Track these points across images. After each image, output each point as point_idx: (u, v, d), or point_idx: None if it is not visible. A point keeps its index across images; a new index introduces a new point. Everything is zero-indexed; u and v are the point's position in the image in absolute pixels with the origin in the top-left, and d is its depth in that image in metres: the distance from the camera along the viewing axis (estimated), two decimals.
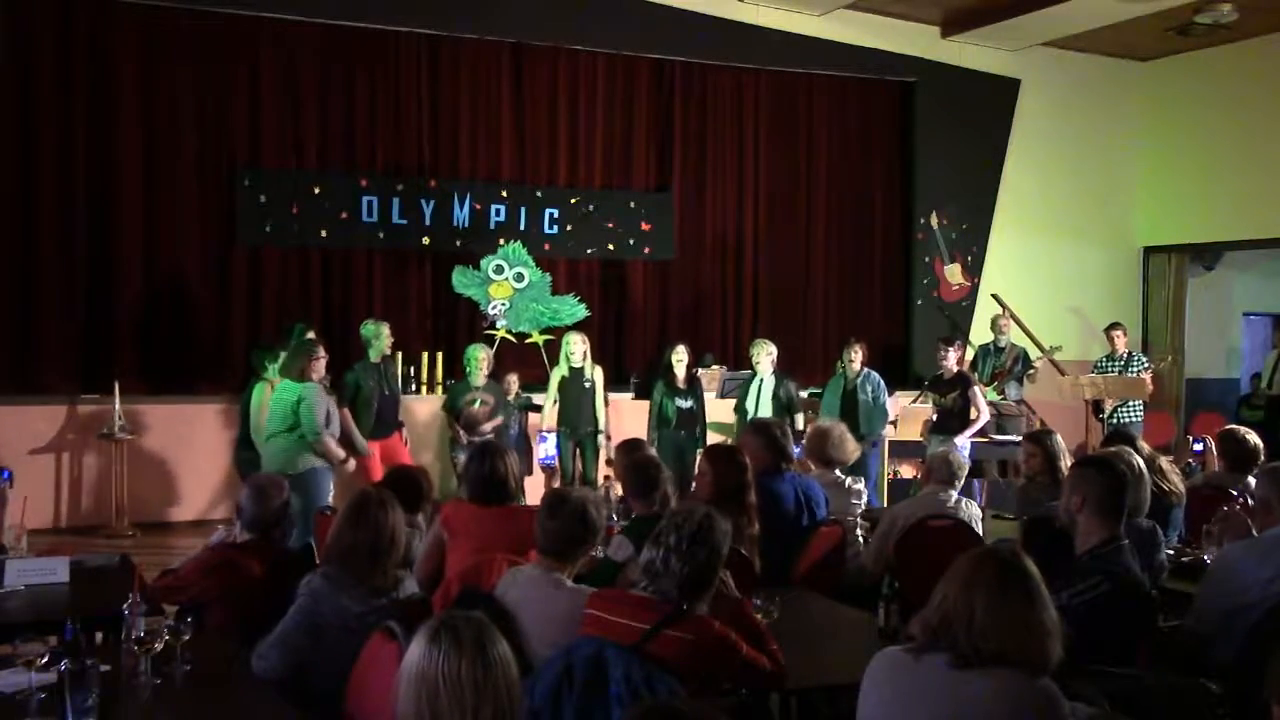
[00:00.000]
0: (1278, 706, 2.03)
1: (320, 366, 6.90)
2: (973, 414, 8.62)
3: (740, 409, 8.67)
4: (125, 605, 3.22)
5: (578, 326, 9.84)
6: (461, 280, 10.01)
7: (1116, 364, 10.26)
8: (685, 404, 8.58)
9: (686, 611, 3.06)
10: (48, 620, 3.52)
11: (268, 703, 3.15)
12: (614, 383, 10.07)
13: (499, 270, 10.06)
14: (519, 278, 10.10)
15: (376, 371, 8.13)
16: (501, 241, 10.58)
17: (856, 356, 8.63)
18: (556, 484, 5.37)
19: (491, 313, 9.99)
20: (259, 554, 4.10)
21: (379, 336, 8.19)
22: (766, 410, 8.46)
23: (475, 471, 4.53)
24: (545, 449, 6.55)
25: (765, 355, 8.64)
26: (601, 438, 8.57)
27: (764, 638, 3.26)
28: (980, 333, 12.19)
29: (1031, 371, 10.37)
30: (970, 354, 10.73)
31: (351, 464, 7.17)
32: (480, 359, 8.31)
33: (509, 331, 10.01)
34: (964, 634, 2.45)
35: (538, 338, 9.95)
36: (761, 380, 8.64)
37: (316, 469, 6.64)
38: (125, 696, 3.04)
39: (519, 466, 4.66)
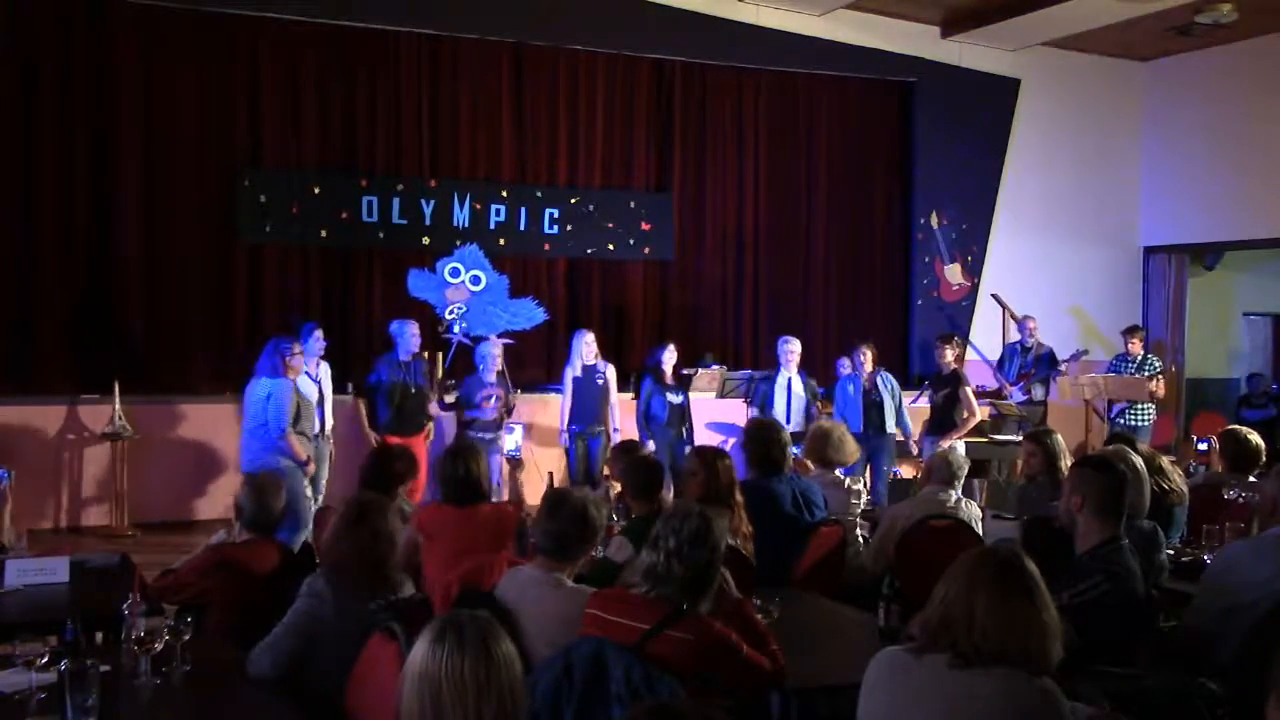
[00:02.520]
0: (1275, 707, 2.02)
1: (297, 364, 6.94)
2: (964, 414, 8.64)
3: (761, 406, 8.72)
4: (125, 605, 3.22)
5: (572, 324, 9.82)
6: (418, 284, 9.80)
7: (1129, 365, 10.27)
8: (676, 399, 8.63)
9: (687, 612, 3.06)
10: (48, 620, 3.51)
11: (268, 703, 3.14)
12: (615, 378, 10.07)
13: (455, 273, 9.88)
14: (476, 280, 9.93)
15: (403, 369, 8.14)
16: (501, 242, 10.60)
17: (867, 358, 8.64)
18: (521, 476, 5.41)
19: (448, 317, 9.80)
20: (259, 554, 4.10)
21: (403, 335, 8.21)
22: (799, 409, 8.56)
23: (449, 473, 4.59)
24: (513, 439, 6.55)
25: (793, 353, 8.79)
26: (616, 435, 8.60)
27: (764, 638, 3.26)
28: (981, 333, 12.22)
29: (1056, 372, 10.35)
30: (998, 354, 10.75)
31: (311, 467, 7.10)
32: (494, 355, 8.33)
33: (466, 335, 9.76)
34: (964, 634, 2.45)
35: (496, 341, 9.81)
36: (790, 378, 8.70)
37: (286, 467, 6.64)
38: (125, 696, 3.04)
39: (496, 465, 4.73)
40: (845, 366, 9.39)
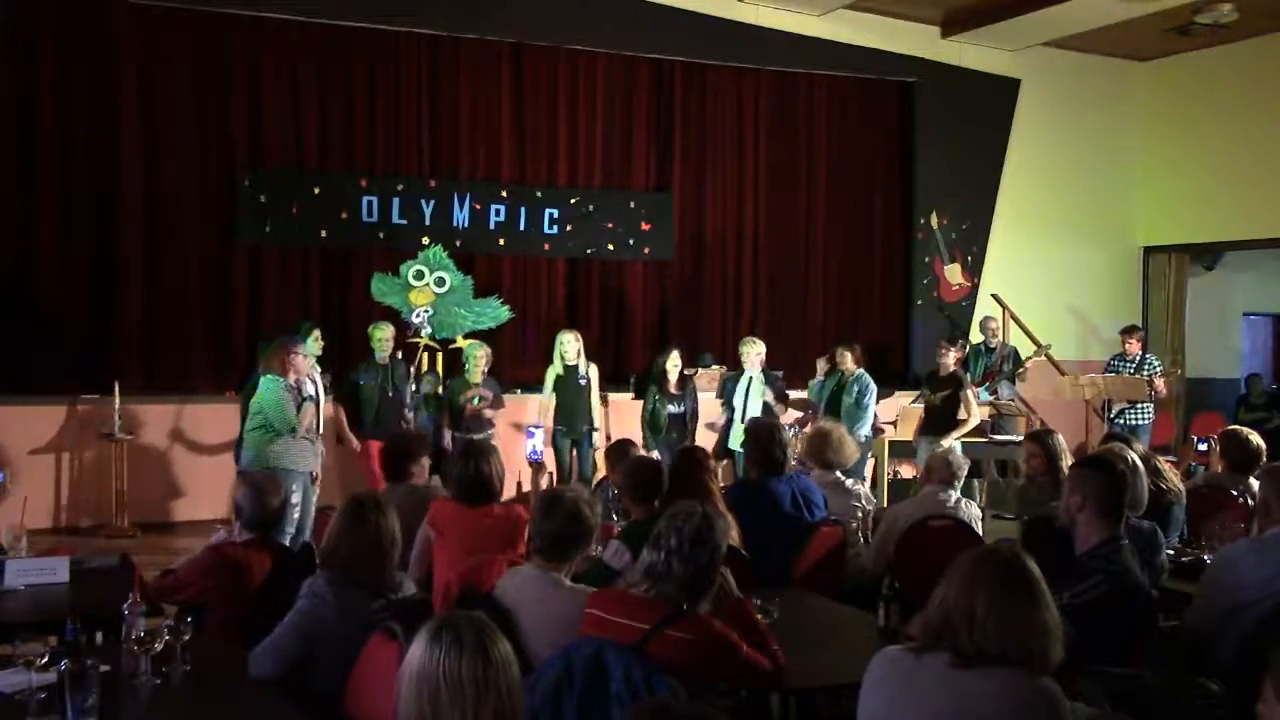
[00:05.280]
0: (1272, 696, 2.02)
1: (298, 362, 6.89)
2: (962, 414, 8.63)
3: (728, 405, 8.70)
4: (125, 605, 3.22)
5: (572, 324, 9.78)
6: (380, 288, 9.66)
7: (1127, 365, 10.26)
8: (677, 409, 8.59)
9: (687, 612, 3.06)
10: (48, 620, 3.52)
11: (268, 703, 3.15)
12: (613, 382, 10.06)
13: (419, 276, 9.74)
14: (440, 282, 9.80)
15: (380, 372, 8.13)
16: (501, 242, 10.60)
17: (845, 359, 8.63)
18: (543, 480, 5.41)
19: (415, 320, 9.63)
20: (259, 553, 4.10)
21: (377, 339, 8.20)
22: (755, 407, 8.48)
23: (460, 471, 4.59)
24: (532, 444, 6.54)
25: (754, 354, 8.66)
26: (598, 436, 8.60)
27: (764, 637, 3.26)
28: (978, 333, 12.21)
29: (1022, 370, 10.38)
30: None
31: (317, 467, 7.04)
32: (479, 356, 8.31)
33: (433, 338, 9.68)
34: (965, 633, 2.45)
35: (462, 343, 9.56)
36: (751, 378, 8.66)
37: (284, 470, 6.56)
38: (125, 696, 3.04)
39: (502, 466, 4.72)
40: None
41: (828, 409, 8.41)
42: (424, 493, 4.96)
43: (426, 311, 9.69)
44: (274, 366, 6.78)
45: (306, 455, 6.90)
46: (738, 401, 8.58)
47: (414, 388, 8.58)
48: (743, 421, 8.17)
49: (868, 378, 8.62)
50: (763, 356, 8.70)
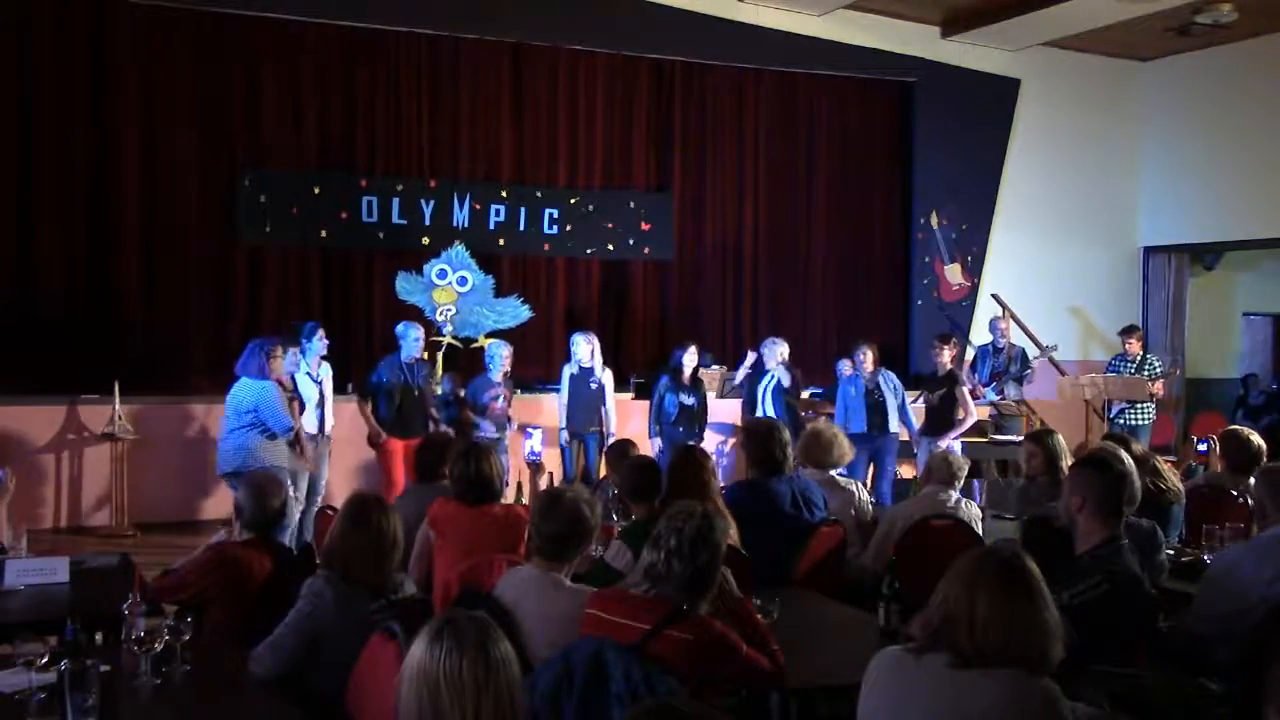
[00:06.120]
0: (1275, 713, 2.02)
1: (279, 365, 6.94)
2: (960, 414, 8.64)
3: (750, 406, 8.80)
4: (125, 605, 3.22)
5: (584, 326, 9.79)
6: (405, 287, 9.70)
7: (1128, 365, 10.26)
8: (688, 400, 8.65)
9: (687, 611, 3.06)
10: (48, 620, 3.52)
11: (268, 703, 3.15)
12: (613, 383, 10.06)
13: (442, 275, 9.79)
14: (462, 281, 9.85)
15: (405, 371, 8.14)
16: (501, 242, 10.59)
17: (867, 358, 8.64)
18: (542, 480, 5.43)
19: (438, 319, 9.69)
20: (259, 553, 4.10)
21: (406, 338, 8.21)
22: (770, 405, 8.58)
23: (460, 472, 4.61)
24: (530, 444, 6.55)
25: (776, 353, 8.81)
26: (610, 438, 8.61)
27: (764, 637, 3.26)
28: (980, 333, 12.21)
29: (1029, 372, 10.38)
30: (970, 355, 10.74)
31: (311, 466, 7.27)
32: (504, 355, 8.32)
33: (455, 337, 9.75)
34: (965, 634, 2.45)
35: (484, 342, 9.53)
36: (773, 377, 8.72)
37: (277, 468, 6.60)
38: (125, 696, 3.04)
39: (503, 466, 4.76)
40: (846, 368, 9.39)
41: (869, 415, 8.43)
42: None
43: (449, 310, 9.72)
44: (252, 370, 6.81)
45: (287, 453, 7.02)
46: (760, 400, 8.70)
47: (435, 386, 8.62)
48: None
49: (890, 373, 8.70)
50: (785, 356, 8.87)
